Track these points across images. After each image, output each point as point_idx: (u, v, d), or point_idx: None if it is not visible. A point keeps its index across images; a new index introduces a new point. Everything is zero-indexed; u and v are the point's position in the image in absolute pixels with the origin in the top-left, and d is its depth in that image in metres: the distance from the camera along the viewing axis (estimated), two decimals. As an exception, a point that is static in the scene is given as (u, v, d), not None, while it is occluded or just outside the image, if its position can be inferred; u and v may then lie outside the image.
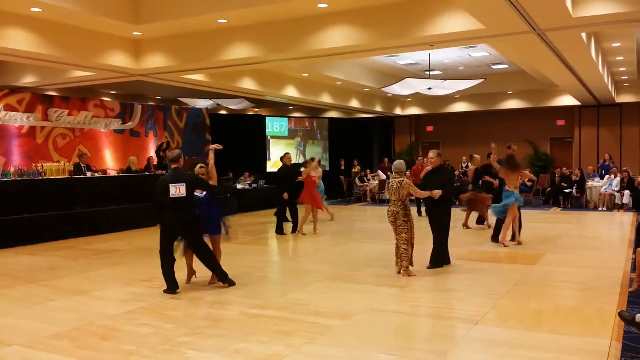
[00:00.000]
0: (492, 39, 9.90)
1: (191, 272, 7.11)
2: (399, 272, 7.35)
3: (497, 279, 7.19)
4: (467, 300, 6.16)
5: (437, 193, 7.48)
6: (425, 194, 7.46)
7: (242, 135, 21.09)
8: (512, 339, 4.82)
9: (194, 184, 6.66)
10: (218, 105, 18.60)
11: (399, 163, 7.50)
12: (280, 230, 11.71)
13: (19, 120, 14.38)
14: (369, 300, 6.15)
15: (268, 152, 21.99)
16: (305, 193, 11.57)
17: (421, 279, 7.22)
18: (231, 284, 6.78)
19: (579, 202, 16.62)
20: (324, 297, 6.41)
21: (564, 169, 17.78)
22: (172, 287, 6.56)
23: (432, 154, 8.00)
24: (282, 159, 11.77)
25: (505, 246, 9.38)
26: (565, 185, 16.69)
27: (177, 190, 6.44)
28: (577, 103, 19.97)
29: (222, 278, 6.77)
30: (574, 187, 16.54)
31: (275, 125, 22.30)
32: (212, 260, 6.76)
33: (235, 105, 18.43)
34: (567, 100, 19.91)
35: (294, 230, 11.70)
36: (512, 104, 20.94)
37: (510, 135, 21.43)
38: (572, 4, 8.12)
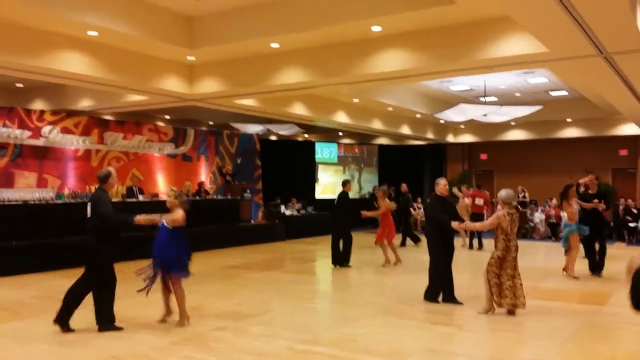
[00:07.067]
0: (555, 63, 9.42)
1: (168, 311, 6.56)
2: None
3: (561, 319, 6.66)
4: (529, 342, 5.71)
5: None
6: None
7: (291, 161, 21.04)
8: (586, 391, 4.35)
9: (93, 203, 6.08)
10: (268, 130, 18.61)
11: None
12: (338, 261, 10.85)
13: (74, 143, 14.67)
14: (423, 339, 5.75)
15: (316, 178, 21.85)
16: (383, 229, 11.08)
17: (479, 317, 6.75)
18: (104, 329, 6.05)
19: (645, 236, 15.69)
20: (375, 332, 6.04)
21: (628, 200, 16.85)
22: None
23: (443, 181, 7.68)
24: (343, 185, 11.28)
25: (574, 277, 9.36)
26: (629, 218, 15.79)
27: (88, 211, 6.06)
28: (640, 132, 19.03)
29: (99, 322, 6.10)
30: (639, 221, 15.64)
31: (324, 151, 22.18)
32: (98, 302, 6.13)
33: (285, 130, 18.41)
34: (630, 129, 18.94)
35: (342, 262, 10.85)
36: (571, 132, 20.09)
37: (568, 165, 20.58)
38: (643, 26, 7.63)
